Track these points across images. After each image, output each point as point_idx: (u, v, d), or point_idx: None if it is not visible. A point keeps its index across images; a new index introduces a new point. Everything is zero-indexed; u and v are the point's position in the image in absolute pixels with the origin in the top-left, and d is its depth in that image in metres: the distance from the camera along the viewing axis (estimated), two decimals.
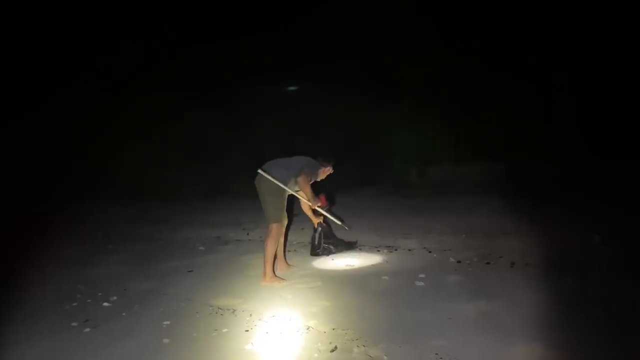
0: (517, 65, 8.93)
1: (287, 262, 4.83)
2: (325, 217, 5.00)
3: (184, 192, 10.04)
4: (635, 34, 7.86)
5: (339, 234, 5.40)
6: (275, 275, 4.41)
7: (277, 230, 4.39)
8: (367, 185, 9.14)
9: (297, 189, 4.53)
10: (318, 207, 4.67)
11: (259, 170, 4.37)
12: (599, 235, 4.80)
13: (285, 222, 4.66)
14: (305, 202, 4.72)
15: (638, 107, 7.79)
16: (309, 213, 4.96)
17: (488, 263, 4.53)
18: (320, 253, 5.17)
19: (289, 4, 10.94)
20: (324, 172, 4.72)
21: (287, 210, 4.63)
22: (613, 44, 8.20)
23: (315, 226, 5.12)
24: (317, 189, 4.64)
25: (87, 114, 11.17)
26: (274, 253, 4.43)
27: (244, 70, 10.79)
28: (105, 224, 8.29)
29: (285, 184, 4.37)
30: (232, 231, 6.84)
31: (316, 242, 5.17)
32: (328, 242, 5.20)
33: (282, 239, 4.70)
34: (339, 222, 4.95)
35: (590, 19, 8.37)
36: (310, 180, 4.51)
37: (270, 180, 4.31)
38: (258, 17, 11.14)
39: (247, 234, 6.65)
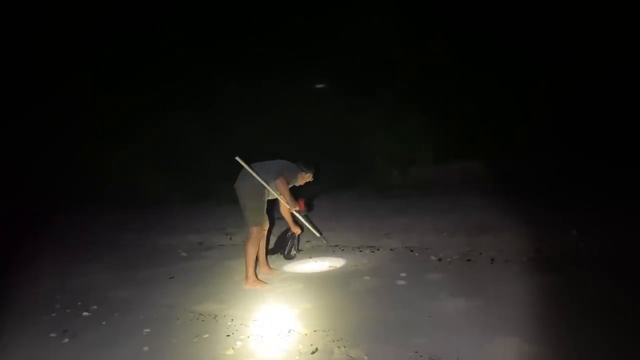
0: (498, 65, 9.00)
1: (269, 266, 4.81)
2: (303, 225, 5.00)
3: (166, 198, 9.93)
4: (617, 34, 7.99)
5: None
6: (258, 279, 4.39)
7: (257, 233, 4.38)
8: (349, 186, 9.15)
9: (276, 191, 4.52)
10: (296, 211, 4.65)
11: (238, 159, 4.35)
12: (576, 230, 4.87)
13: (267, 226, 4.65)
14: (285, 206, 4.70)
15: (621, 107, 7.90)
16: (287, 216, 4.90)
17: (469, 260, 4.58)
18: (292, 257, 5.18)
19: (269, 6, 10.91)
20: (303, 178, 4.70)
21: (268, 214, 4.62)
22: (596, 44, 8.31)
23: (292, 230, 5.05)
24: (296, 194, 4.63)
25: (69, 120, 11.01)
26: (255, 256, 4.42)
27: (225, 73, 10.74)
28: (85, 232, 8.18)
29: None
30: (214, 236, 6.79)
31: (290, 248, 5.16)
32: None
33: (264, 242, 4.70)
34: (317, 234, 4.96)
35: (572, 18, 8.49)
36: (289, 184, 4.50)
37: (249, 184, 4.31)
38: (240, 20, 11.10)
39: (230, 238, 6.62)
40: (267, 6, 10.83)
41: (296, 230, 5.01)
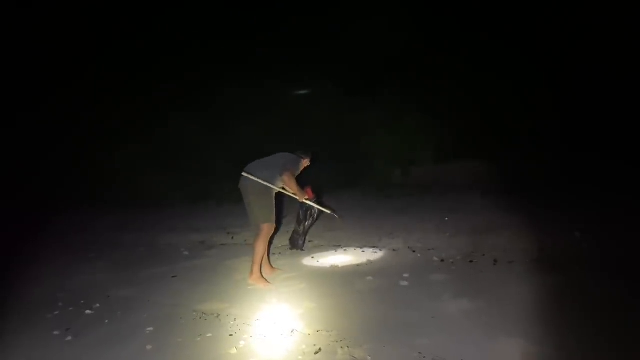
0: (499, 64, 9.00)
1: (271, 266, 4.80)
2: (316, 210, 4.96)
3: (166, 198, 9.92)
4: (617, 34, 7.99)
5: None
6: (263, 277, 4.39)
7: (268, 230, 4.38)
8: (350, 186, 9.14)
9: (282, 186, 4.51)
10: (306, 199, 4.66)
11: (243, 173, 4.38)
12: (580, 231, 4.87)
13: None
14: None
15: (623, 107, 7.90)
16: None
17: (471, 261, 4.57)
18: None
19: (269, 7, 10.91)
20: (303, 165, 4.73)
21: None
22: (596, 43, 8.30)
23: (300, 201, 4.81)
24: (302, 182, 4.63)
25: (70, 121, 11.02)
26: (264, 253, 4.42)
27: (224, 72, 10.74)
28: (87, 232, 8.18)
29: (271, 183, 4.36)
30: (216, 235, 6.78)
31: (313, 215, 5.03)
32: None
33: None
34: (329, 212, 4.92)
35: (572, 17, 8.49)
36: (294, 176, 4.51)
37: (256, 182, 4.30)
38: (240, 21, 11.10)
39: (232, 237, 6.61)
40: (268, 6, 10.83)
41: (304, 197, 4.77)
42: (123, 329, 3.52)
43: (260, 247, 4.33)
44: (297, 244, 5.18)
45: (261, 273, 4.41)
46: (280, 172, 4.38)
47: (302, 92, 10.86)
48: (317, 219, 5.10)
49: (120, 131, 10.72)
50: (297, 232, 5.11)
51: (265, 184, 4.32)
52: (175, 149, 10.62)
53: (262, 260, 4.43)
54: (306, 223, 5.07)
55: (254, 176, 4.33)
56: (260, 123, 9.93)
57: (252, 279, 4.32)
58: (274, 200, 4.49)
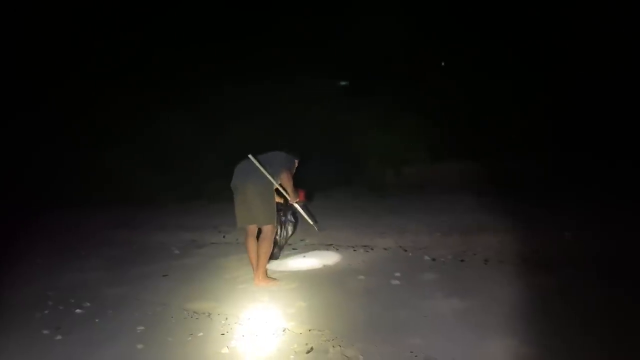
0: (493, 64, 9.04)
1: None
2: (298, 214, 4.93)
3: (157, 197, 9.87)
4: (614, 33, 8.05)
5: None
6: (268, 276, 4.37)
7: (272, 232, 4.33)
8: (343, 185, 9.15)
9: (279, 183, 4.41)
10: (296, 202, 4.63)
11: (250, 156, 4.25)
12: (570, 232, 4.90)
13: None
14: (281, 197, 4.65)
15: (620, 106, 7.95)
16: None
17: (462, 260, 4.59)
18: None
19: (262, 6, 10.88)
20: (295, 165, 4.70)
21: None
22: (592, 42, 8.34)
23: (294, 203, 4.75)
24: (295, 184, 4.60)
25: (62, 119, 10.94)
26: (269, 254, 4.39)
27: (216, 72, 10.70)
28: (77, 230, 8.12)
29: (274, 179, 4.28)
30: (207, 234, 6.75)
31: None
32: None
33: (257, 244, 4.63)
34: (310, 222, 4.92)
35: (566, 17, 8.54)
36: (292, 175, 4.46)
37: (259, 182, 4.21)
38: (232, 20, 11.06)
39: (224, 236, 6.58)
40: (264, 7, 10.81)
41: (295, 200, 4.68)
42: (113, 328, 3.50)
43: (267, 248, 4.27)
44: (272, 252, 5.00)
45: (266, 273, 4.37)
46: (280, 171, 4.31)
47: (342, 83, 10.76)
48: (293, 233, 5.07)
49: (112, 130, 10.66)
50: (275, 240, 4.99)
51: (270, 178, 4.23)
52: (167, 147, 10.57)
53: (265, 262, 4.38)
54: (282, 233, 4.98)
55: (257, 172, 4.20)
56: (253, 122, 9.91)
57: (260, 281, 4.25)
58: (275, 200, 4.44)
